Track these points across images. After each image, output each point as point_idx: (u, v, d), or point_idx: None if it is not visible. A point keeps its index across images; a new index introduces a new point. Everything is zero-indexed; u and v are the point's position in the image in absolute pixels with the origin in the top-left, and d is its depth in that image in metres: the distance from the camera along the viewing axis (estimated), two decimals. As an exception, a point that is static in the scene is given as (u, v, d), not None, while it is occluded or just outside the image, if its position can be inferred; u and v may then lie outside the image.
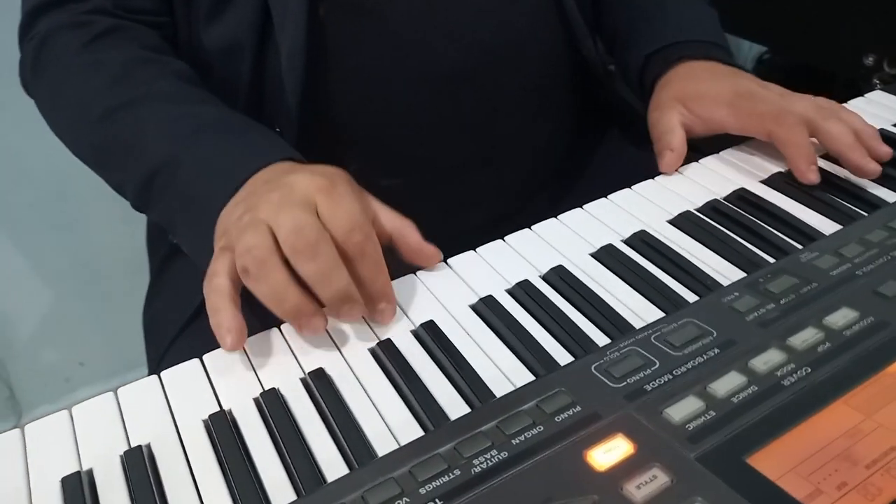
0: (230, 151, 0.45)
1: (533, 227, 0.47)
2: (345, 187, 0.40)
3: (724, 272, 0.41)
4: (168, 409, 0.35)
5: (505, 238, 0.46)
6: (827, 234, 0.43)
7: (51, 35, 0.54)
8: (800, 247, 0.42)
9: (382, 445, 0.33)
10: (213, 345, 0.39)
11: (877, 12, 0.92)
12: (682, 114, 0.52)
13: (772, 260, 0.41)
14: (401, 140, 0.59)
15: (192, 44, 0.57)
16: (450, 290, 0.42)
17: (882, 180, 0.48)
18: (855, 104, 0.59)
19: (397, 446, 0.32)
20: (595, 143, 0.73)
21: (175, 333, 0.58)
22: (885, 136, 0.52)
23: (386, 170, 0.59)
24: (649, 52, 0.58)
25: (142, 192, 0.48)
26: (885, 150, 0.49)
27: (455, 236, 0.47)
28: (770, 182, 0.49)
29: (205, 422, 0.34)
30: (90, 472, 0.33)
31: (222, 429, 0.34)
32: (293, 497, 0.30)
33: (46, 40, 0.54)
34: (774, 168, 0.50)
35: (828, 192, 0.48)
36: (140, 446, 0.33)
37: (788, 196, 0.47)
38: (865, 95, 0.60)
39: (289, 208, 0.37)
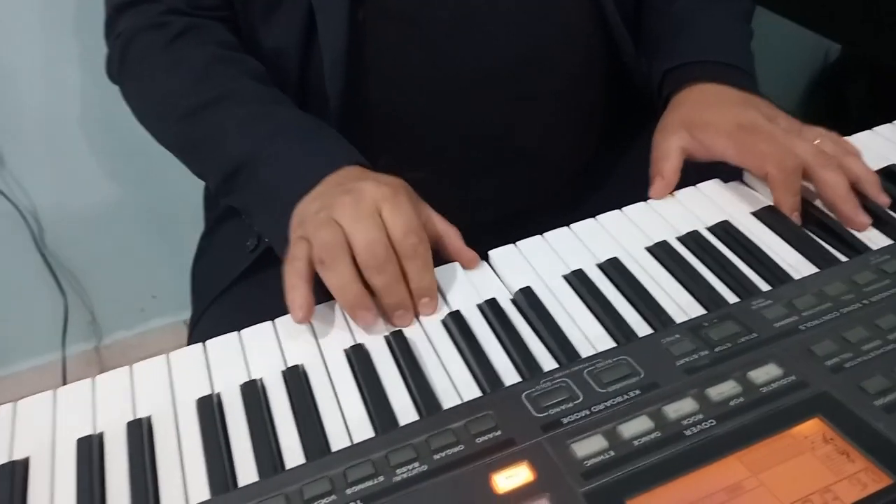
0: (307, 153, 0.52)
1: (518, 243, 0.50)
2: (405, 196, 0.46)
3: (685, 307, 0.43)
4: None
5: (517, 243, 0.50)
6: (800, 276, 0.44)
7: (134, 36, 0.60)
8: (767, 288, 0.44)
9: (338, 442, 0.38)
10: (247, 310, 0.47)
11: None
12: (685, 139, 0.53)
13: (734, 299, 0.43)
14: (430, 137, 0.62)
15: (249, 43, 0.62)
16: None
17: (875, 223, 0.48)
18: (882, 131, 0.58)
19: (349, 444, 0.37)
20: (626, 147, 0.74)
21: (216, 294, 0.66)
22: (894, 174, 0.52)
23: (412, 163, 0.62)
24: (668, 67, 0.59)
25: (223, 184, 0.55)
26: (884, 200, 0.48)
27: (475, 230, 0.51)
28: (760, 215, 0.50)
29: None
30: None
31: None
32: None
33: (131, 41, 0.60)
34: (769, 200, 0.51)
35: (816, 231, 0.48)
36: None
37: (774, 232, 0.48)
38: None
39: (363, 220, 0.44)
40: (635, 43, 0.65)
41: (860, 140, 0.57)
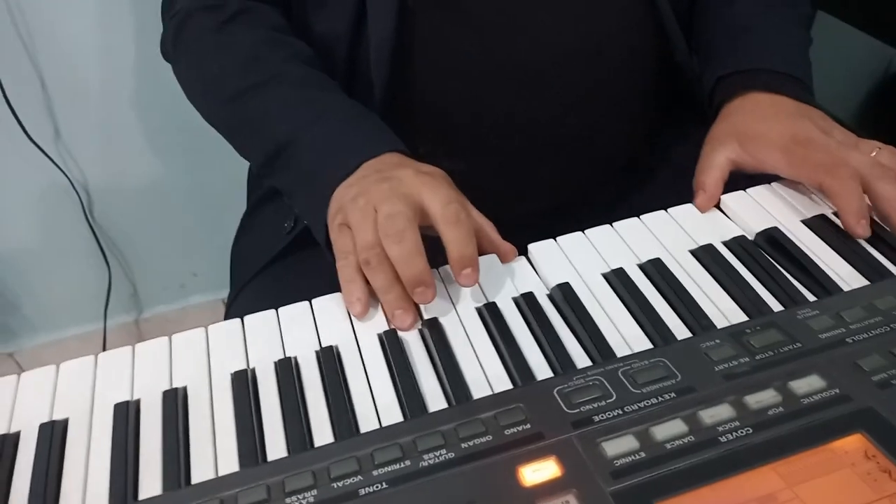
0: (349, 138, 0.52)
1: (559, 238, 0.49)
2: (445, 183, 0.46)
3: (727, 313, 0.42)
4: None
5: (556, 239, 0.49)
6: (850, 287, 0.43)
7: (189, 16, 0.61)
8: (814, 298, 0.43)
9: (367, 424, 0.38)
10: (282, 290, 0.48)
11: None
12: (734, 150, 0.52)
13: (779, 308, 0.42)
14: (471, 129, 0.62)
15: (300, 27, 0.62)
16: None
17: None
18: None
19: (378, 427, 0.37)
20: (674, 146, 0.72)
21: (253, 274, 0.67)
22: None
23: (452, 154, 0.62)
24: (721, 73, 0.57)
25: (266, 164, 0.56)
26: None
27: (514, 223, 0.51)
28: (810, 223, 0.48)
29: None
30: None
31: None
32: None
33: (186, 21, 0.61)
34: (821, 208, 0.49)
35: (870, 244, 0.47)
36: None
37: (825, 241, 0.47)
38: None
39: (392, 198, 0.44)
40: (688, 40, 0.64)
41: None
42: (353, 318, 0.44)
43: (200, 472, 0.36)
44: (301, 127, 0.53)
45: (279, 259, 0.64)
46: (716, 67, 0.58)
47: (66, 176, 1.09)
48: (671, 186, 0.54)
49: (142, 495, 0.35)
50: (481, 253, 0.48)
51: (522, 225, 0.53)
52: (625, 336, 0.42)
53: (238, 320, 0.45)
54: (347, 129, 0.53)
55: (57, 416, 0.39)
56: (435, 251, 0.44)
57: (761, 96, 0.54)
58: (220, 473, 0.36)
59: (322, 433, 0.38)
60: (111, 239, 1.19)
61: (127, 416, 0.39)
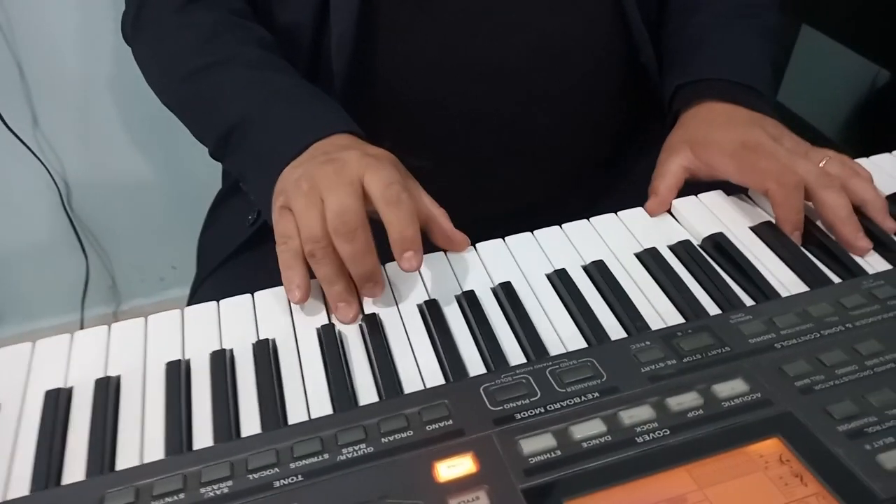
0: (297, 118, 0.51)
1: (507, 238, 0.49)
2: (391, 167, 0.45)
3: (665, 315, 0.42)
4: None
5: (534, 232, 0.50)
6: (789, 294, 0.43)
7: None
8: (752, 303, 0.43)
9: (297, 416, 0.38)
10: (244, 281, 0.47)
11: None
12: (688, 158, 0.52)
13: (716, 312, 0.42)
14: (436, 126, 0.62)
15: (264, 15, 0.62)
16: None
17: (877, 248, 0.46)
18: (901, 155, 0.56)
19: (307, 419, 0.37)
20: (643, 150, 0.73)
21: (215, 265, 0.67)
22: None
23: (418, 151, 0.62)
24: (680, 83, 0.58)
25: (218, 145, 0.56)
26: (890, 226, 0.47)
27: (479, 223, 0.51)
28: (758, 230, 0.49)
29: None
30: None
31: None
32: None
33: (145, 2, 0.61)
34: (770, 215, 0.50)
35: (814, 251, 0.47)
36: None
37: (770, 248, 0.47)
38: (917, 146, 0.56)
39: (339, 188, 0.43)
40: (656, 46, 0.64)
41: (878, 163, 0.55)
42: (293, 312, 0.44)
43: (126, 459, 0.36)
44: (252, 107, 0.53)
45: (242, 251, 0.64)
46: (675, 76, 0.58)
47: (45, 166, 1.09)
48: (643, 192, 0.54)
49: (64, 482, 0.36)
50: (433, 242, 0.48)
51: (491, 224, 0.53)
52: (561, 336, 0.42)
53: (178, 311, 0.45)
54: (298, 109, 0.53)
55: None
56: (382, 238, 0.44)
57: (716, 105, 0.54)
58: (146, 461, 0.36)
59: (250, 424, 0.38)
60: (90, 230, 1.19)
61: (57, 403, 0.39)
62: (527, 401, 0.35)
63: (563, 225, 0.50)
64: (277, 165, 0.49)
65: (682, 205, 0.51)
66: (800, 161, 0.48)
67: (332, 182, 0.44)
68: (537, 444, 0.33)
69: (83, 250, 1.19)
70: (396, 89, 0.60)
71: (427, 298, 0.45)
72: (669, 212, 0.51)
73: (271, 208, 0.48)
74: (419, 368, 0.40)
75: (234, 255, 0.65)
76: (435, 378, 0.40)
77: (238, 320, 0.44)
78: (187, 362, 0.41)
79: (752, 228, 0.49)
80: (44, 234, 1.16)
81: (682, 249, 0.47)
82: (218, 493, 0.32)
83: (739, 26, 0.59)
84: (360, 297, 0.45)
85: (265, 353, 0.41)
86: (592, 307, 0.43)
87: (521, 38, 0.58)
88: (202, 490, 0.32)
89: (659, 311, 0.43)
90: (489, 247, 0.49)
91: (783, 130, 0.51)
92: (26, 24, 0.97)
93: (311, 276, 0.45)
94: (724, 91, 0.55)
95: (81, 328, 1.26)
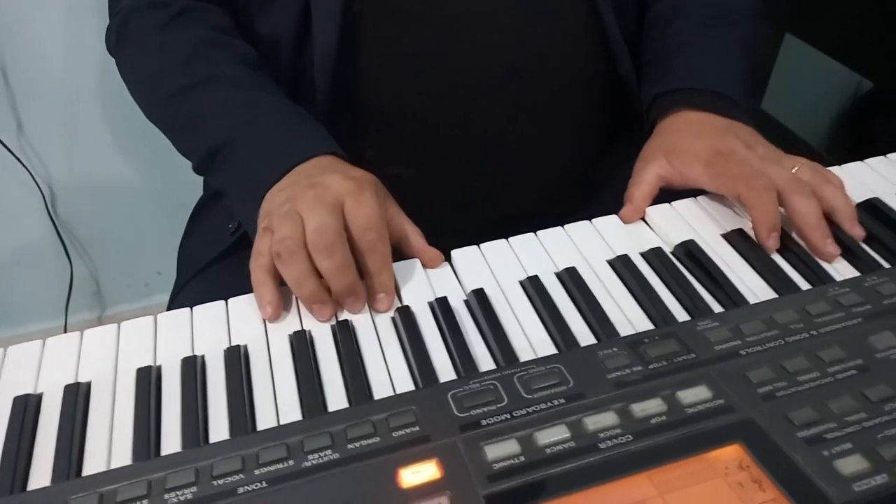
0: (280, 142, 0.52)
1: (482, 245, 0.50)
2: (371, 192, 0.46)
3: (635, 322, 0.43)
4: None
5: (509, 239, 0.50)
6: (757, 300, 0.43)
7: (133, 13, 0.61)
8: (720, 310, 0.43)
9: (266, 423, 0.38)
10: (222, 290, 0.47)
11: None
12: (663, 166, 0.53)
13: (685, 318, 0.43)
14: (416, 135, 0.63)
15: (246, 30, 0.63)
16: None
17: (845, 255, 0.47)
18: (874, 163, 0.56)
19: (275, 425, 0.37)
20: (624, 159, 0.73)
21: (194, 273, 0.67)
22: (876, 207, 0.50)
23: (398, 160, 0.63)
24: (656, 92, 0.58)
25: (203, 163, 0.56)
26: (858, 233, 0.47)
27: (460, 231, 0.52)
28: (729, 237, 0.49)
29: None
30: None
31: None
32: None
33: (129, 17, 0.61)
34: (743, 222, 0.50)
35: (785, 258, 0.47)
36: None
37: (741, 255, 0.47)
38: (888, 156, 0.57)
39: (319, 208, 0.44)
40: (635, 59, 0.65)
41: (850, 171, 0.55)
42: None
43: (93, 465, 0.36)
44: (235, 128, 0.54)
45: (222, 259, 0.65)
46: (652, 86, 0.59)
47: (29, 171, 1.09)
48: (623, 200, 0.54)
49: (30, 487, 0.36)
50: (406, 258, 0.49)
51: (471, 232, 0.53)
52: (532, 342, 0.42)
53: (151, 317, 0.45)
54: (282, 130, 0.53)
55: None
56: None
57: (691, 114, 0.55)
58: (113, 467, 0.36)
59: (219, 430, 0.38)
60: (74, 235, 1.19)
61: (25, 409, 0.39)
62: (493, 407, 0.35)
63: (538, 232, 0.50)
64: (262, 188, 0.49)
65: (656, 212, 0.52)
66: (772, 167, 0.48)
67: (313, 204, 0.45)
68: (501, 451, 0.33)
69: (67, 256, 1.18)
70: (379, 101, 0.61)
71: (400, 305, 0.45)
72: (643, 219, 0.52)
73: (255, 227, 0.49)
74: (390, 375, 0.40)
75: (214, 261, 0.65)
76: (405, 384, 0.40)
77: (211, 326, 0.44)
78: (158, 368, 0.41)
79: (723, 236, 0.49)
80: (28, 240, 1.16)
81: (654, 256, 0.47)
82: (182, 498, 0.32)
83: (716, 35, 0.60)
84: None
85: (236, 360, 0.41)
86: (563, 314, 0.43)
87: (501, 50, 0.59)
88: (166, 496, 0.32)
89: (629, 318, 0.43)
90: (464, 253, 0.49)
91: (757, 137, 0.52)
92: (10, 29, 0.97)
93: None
94: (699, 100, 0.55)
95: (65, 333, 1.24)
